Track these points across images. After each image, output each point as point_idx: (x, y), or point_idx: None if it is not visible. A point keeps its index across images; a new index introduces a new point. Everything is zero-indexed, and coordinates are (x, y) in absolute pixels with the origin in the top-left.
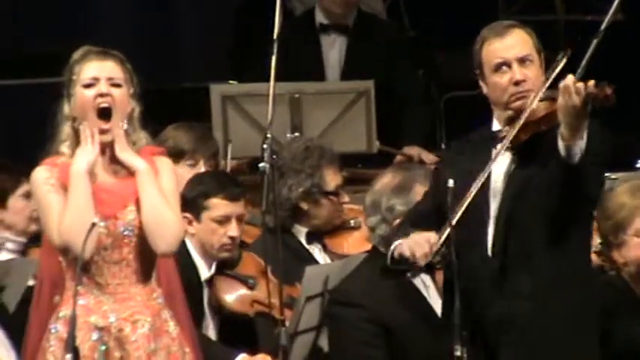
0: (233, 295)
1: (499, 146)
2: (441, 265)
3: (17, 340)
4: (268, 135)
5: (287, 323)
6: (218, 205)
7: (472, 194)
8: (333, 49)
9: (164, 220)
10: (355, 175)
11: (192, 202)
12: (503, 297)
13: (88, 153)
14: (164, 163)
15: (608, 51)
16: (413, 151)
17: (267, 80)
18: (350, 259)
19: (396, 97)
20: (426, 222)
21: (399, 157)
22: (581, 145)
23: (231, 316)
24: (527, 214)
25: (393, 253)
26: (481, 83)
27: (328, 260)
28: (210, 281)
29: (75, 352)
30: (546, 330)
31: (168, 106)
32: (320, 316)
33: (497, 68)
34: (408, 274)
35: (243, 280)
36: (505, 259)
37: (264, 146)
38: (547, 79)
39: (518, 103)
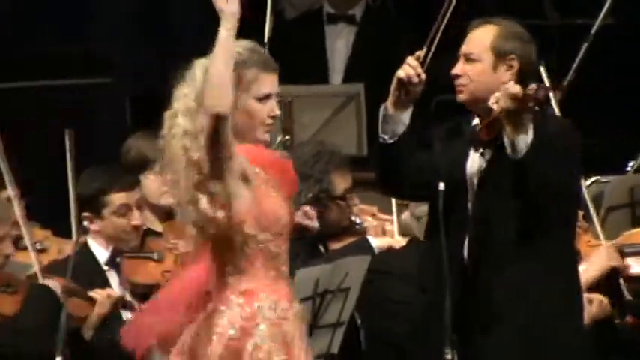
0: (141, 271)
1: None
2: None
3: None
4: None
5: None
6: (116, 199)
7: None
8: (340, 39)
9: None
10: None
11: (90, 201)
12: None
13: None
14: None
15: (598, 54)
16: None
17: None
18: (341, 262)
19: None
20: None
21: None
22: (525, 139)
23: (146, 291)
24: (498, 217)
25: None
26: None
27: None
28: (113, 262)
29: None
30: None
31: (162, 110)
32: (311, 319)
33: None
34: None
35: (148, 256)
36: (479, 265)
37: None
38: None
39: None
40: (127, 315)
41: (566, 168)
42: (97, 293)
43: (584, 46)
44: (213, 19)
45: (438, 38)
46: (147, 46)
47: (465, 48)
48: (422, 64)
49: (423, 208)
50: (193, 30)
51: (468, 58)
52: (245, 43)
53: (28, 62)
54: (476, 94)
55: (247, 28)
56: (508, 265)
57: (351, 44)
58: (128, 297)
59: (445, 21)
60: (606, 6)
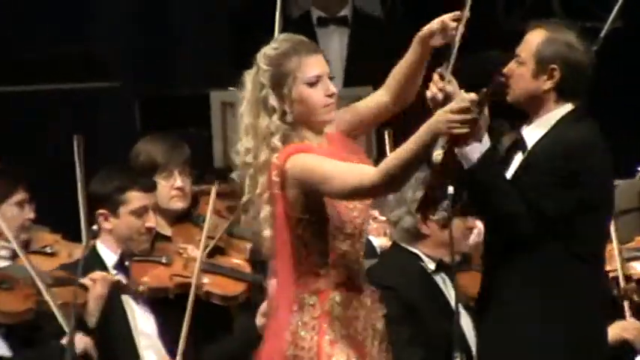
0: (150, 275)
1: None
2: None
3: None
4: None
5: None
6: (135, 198)
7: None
8: (333, 41)
9: None
10: None
11: (108, 198)
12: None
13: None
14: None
15: (607, 57)
16: None
17: None
18: None
19: None
20: None
21: None
22: (479, 147)
23: (154, 294)
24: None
25: None
26: None
27: None
28: (121, 265)
29: None
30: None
31: (168, 114)
32: None
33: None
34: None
35: (157, 260)
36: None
37: None
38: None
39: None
40: (128, 300)
41: (558, 188)
42: (89, 278)
43: (593, 49)
44: (213, 19)
45: (454, 53)
46: (147, 46)
47: (518, 48)
48: (443, 77)
49: (397, 213)
50: (193, 30)
51: (517, 60)
52: (279, 36)
53: (28, 62)
54: (518, 98)
55: (255, 32)
56: (505, 270)
57: (345, 46)
58: (124, 280)
59: (459, 32)
60: (615, 9)
